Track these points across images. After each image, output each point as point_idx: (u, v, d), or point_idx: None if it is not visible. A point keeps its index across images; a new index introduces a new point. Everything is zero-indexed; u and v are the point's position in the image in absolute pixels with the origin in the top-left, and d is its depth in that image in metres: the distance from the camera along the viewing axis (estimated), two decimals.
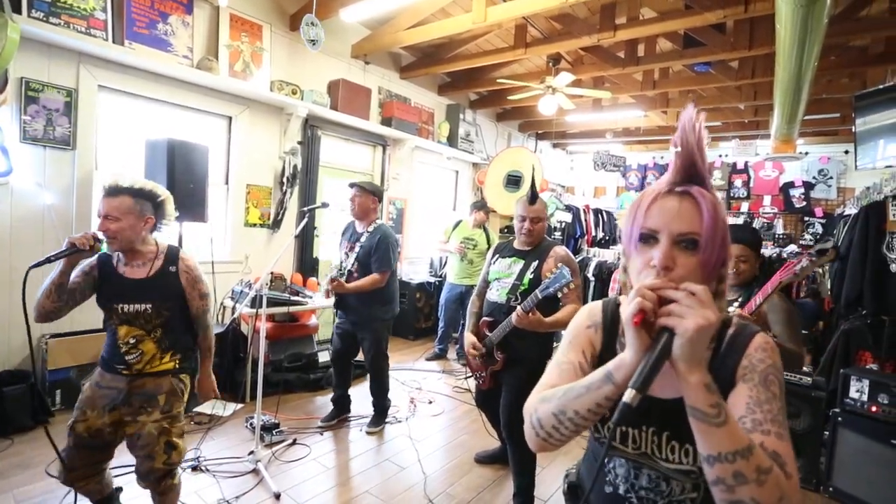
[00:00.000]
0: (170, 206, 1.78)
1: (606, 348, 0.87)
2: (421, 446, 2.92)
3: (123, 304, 1.67)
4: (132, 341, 1.69)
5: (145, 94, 3.41)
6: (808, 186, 6.50)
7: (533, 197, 2.22)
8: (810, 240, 6.30)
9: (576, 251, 5.80)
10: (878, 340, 2.94)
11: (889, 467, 2.33)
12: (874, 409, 2.44)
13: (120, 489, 1.98)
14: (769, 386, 0.71)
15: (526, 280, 2.17)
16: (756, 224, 6.67)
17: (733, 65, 4.59)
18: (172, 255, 1.77)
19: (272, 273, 3.34)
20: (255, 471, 2.47)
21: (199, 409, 3.11)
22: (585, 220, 6.26)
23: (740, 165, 7.05)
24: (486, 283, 2.38)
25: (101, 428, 1.67)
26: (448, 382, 4.13)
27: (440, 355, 4.79)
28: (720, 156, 7.16)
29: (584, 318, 0.91)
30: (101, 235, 1.60)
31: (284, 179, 4.28)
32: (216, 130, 3.95)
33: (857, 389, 2.51)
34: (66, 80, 3.02)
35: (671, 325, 0.62)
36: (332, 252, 4.94)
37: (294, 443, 2.82)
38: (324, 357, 3.79)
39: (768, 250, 4.83)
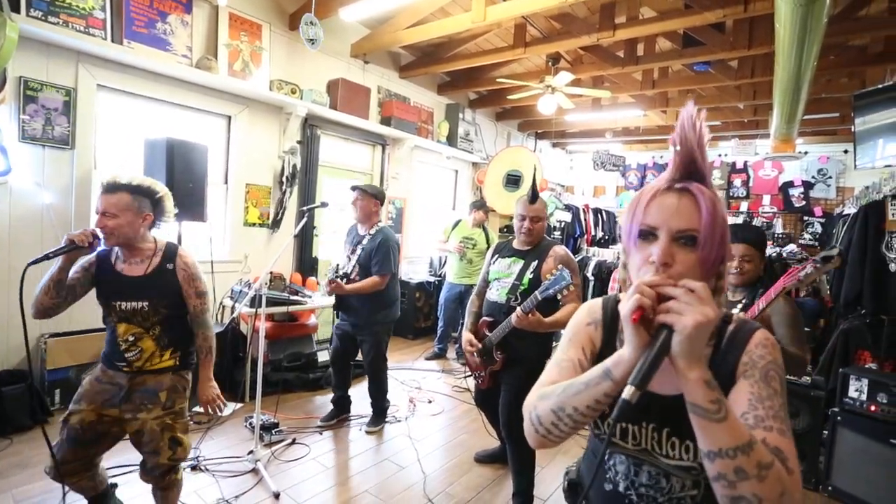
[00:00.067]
0: (168, 203, 1.77)
1: (606, 345, 0.87)
2: (420, 446, 2.92)
3: (121, 301, 1.67)
4: (131, 339, 1.68)
5: (144, 93, 3.41)
6: (808, 186, 6.50)
7: (533, 196, 2.22)
8: (809, 239, 6.31)
9: (575, 250, 5.81)
10: (877, 340, 2.94)
11: (888, 466, 2.33)
12: (873, 408, 2.44)
13: (115, 485, 1.97)
14: (770, 382, 0.71)
15: (526, 280, 2.17)
16: (755, 223, 6.67)
17: (733, 64, 4.59)
18: (170, 252, 1.76)
19: (271, 272, 3.34)
20: (254, 470, 2.47)
21: (198, 408, 3.11)
22: (585, 220, 6.26)
23: (739, 165, 7.05)
24: (486, 283, 2.38)
25: (94, 421, 1.66)
26: (447, 382, 4.13)
27: (440, 355, 4.79)
28: (719, 155, 7.16)
29: (584, 316, 0.91)
30: (99, 232, 1.59)
31: (284, 179, 4.28)
32: (215, 130, 3.95)
33: (856, 389, 2.51)
34: (64, 79, 3.01)
35: (670, 322, 0.62)
36: (331, 252, 4.95)
37: (293, 442, 2.82)
38: (323, 356, 3.79)
39: (768, 250, 4.83)
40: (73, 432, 1.65)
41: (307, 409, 3.33)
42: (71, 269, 1.63)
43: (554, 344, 2.48)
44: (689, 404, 0.63)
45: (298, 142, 4.42)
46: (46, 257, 1.53)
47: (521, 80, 4.86)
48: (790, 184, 6.61)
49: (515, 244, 2.31)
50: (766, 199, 6.84)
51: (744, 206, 6.95)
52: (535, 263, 2.18)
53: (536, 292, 1.96)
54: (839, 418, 2.53)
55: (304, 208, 3.25)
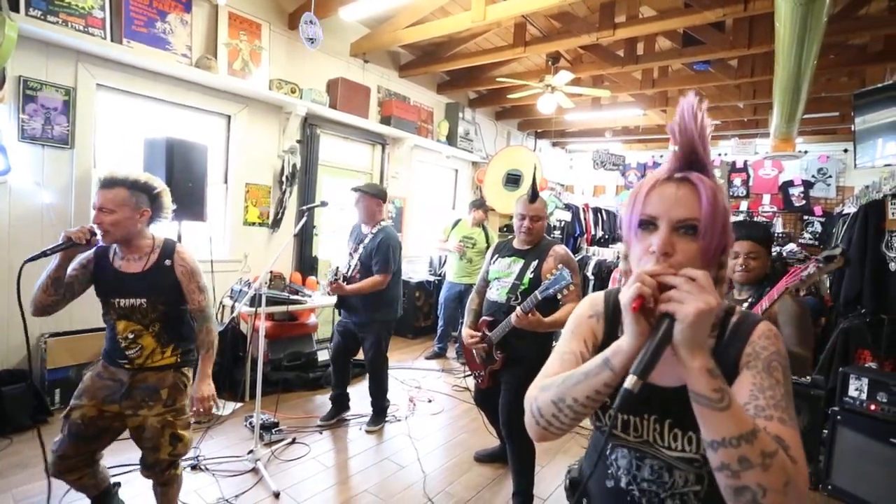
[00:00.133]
0: (167, 199, 1.75)
1: (608, 338, 0.86)
2: (420, 445, 2.92)
3: (119, 298, 1.66)
4: (131, 336, 1.68)
5: (144, 92, 3.41)
6: (808, 185, 6.50)
7: (533, 195, 2.22)
8: (809, 238, 6.31)
9: (575, 250, 5.81)
10: (877, 339, 2.94)
11: (888, 465, 2.33)
12: (873, 407, 2.44)
13: (118, 484, 1.97)
14: (772, 372, 0.71)
15: (526, 279, 2.17)
16: (748, 220, 6.67)
17: (732, 63, 4.59)
18: (168, 248, 1.75)
19: (271, 272, 3.34)
20: (254, 470, 2.47)
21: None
22: (585, 219, 6.26)
23: (739, 164, 7.04)
24: (486, 282, 2.38)
25: (96, 416, 1.66)
26: (447, 381, 4.13)
27: (439, 354, 4.79)
28: (719, 154, 7.16)
29: (586, 308, 0.91)
30: (96, 229, 1.58)
31: (283, 178, 4.28)
32: (215, 129, 3.94)
33: (856, 388, 2.51)
34: (64, 78, 3.01)
35: (671, 311, 0.61)
36: (331, 251, 4.95)
37: (293, 442, 2.82)
38: (323, 356, 3.80)
39: None
40: (74, 427, 1.64)
41: (307, 409, 3.33)
42: (69, 267, 1.62)
43: (554, 343, 2.48)
44: (692, 393, 0.63)
45: (298, 141, 4.42)
46: (43, 254, 1.53)
47: (521, 80, 4.85)
48: (790, 183, 6.61)
49: (515, 243, 2.31)
50: (766, 198, 6.84)
51: (744, 205, 6.95)
52: (535, 263, 2.18)
53: (536, 292, 1.96)
54: (839, 417, 2.53)
55: (304, 207, 3.25)
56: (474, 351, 2.33)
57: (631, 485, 0.83)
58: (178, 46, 3.48)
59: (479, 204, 4.79)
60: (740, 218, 6.64)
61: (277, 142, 4.28)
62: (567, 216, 5.93)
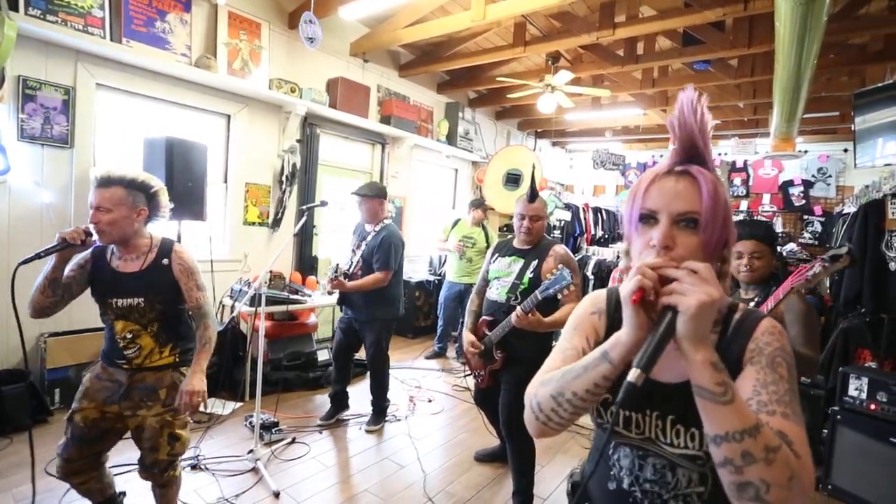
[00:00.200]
0: (164, 198, 1.74)
1: (610, 334, 0.86)
2: (420, 444, 2.92)
3: (117, 298, 1.65)
4: (129, 336, 1.67)
5: (143, 92, 3.40)
6: (808, 185, 6.50)
7: (532, 195, 2.22)
8: (809, 238, 6.31)
9: (575, 250, 5.80)
10: (876, 339, 2.94)
11: (888, 465, 2.33)
12: (873, 407, 2.44)
13: (123, 494, 1.97)
14: (776, 368, 0.70)
15: (526, 279, 2.17)
16: (751, 219, 6.66)
17: (732, 63, 4.58)
18: (166, 247, 1.74)
19: (271, 271, 3.34)
20: (254, 469, 2.47)
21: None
22: (584, 219, 6.26)
23: (739, 164, 7.04)
24: (486, 282, 2.38)
25: (98, 418, 1.66)
26: (447, 381, 4.13)
27: (439, 354, 4.79)
28: (719, 154, 7.15)
29: (588, 305, 0.90)
30: (92, 229, 1.56)
31: (283, 178, 4.28)
32: (215, 129, 3.94)
33: (856, 387, 2.51)
34: (63, 78, 3.01)
35: (673, 303, 0.61)
36: (331, 250, 4.95)
37: (293, 441, 2.82)
38: (323, 355, 3.80)
39: None
40: (77, 430, 1.64)
41: (307, 408, 3.33)
42: (66, 268, 1.61)
43: (553, 343, 2.48)
44: (695, 387, 0.62)
45: (298, 141, 4.42)
46: (38, 256, 1.51)
47: (521, 79, 4.85)
48: (790, 182, 6.61)
49: (515, 243, 2.31)
50: (766, 197, 6.84)
51: (744, 204, 6.95)
52: (535, 263, 2.18)
53: (536, 292, 1.96)
54: (839, 417, 2.53)
55: (304, 207, 3.25)
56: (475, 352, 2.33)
57: (633, 486, 0.81)
58: (177, 46, 3.48)
59: (478, 203, 4.79)
60: (740, 217, 6.64)
61: (277, 141, 4.28)
62: (567, 216, 5.93)
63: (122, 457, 2.32)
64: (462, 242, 4.60)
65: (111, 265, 1.69)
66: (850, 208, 4.16)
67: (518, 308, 2.00)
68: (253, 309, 2.93)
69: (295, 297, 3.47)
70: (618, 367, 0.66)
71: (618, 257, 5.39)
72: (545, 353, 2.29)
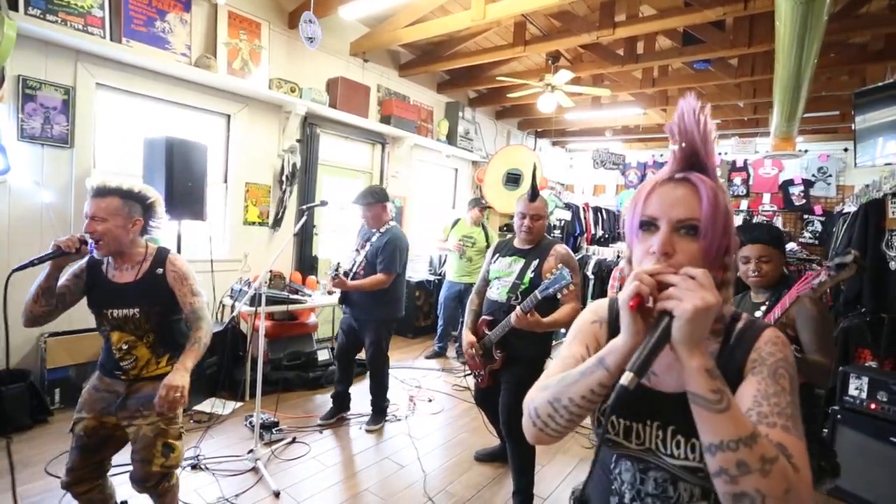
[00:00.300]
0: (160, 209, 1.73)
1: None
2: (420, 444, 2.92)
3: (112, 309, 1.64)
4: (125, 347, 1.66)
5: (143, 92, 3.40)
6: (808, 184, 6.50)
7: (533, 194, 2.22)
8: (809, 238, 6.31)
9: (575, 249, 5.81)
10: (877, 338, 2.94)
11: (888, 465, 2.34)
12: (873, 406, 2.44)
13: (125, 503, 1.97)
14: (778, 379, 0.69)
15: (526, 279, 2.17)
16: (755, 222, 6.67)
17: (733, 62, 4.58)
18: (161, 257, 1.72)
19: (271, 271, 3.34)
20: (254, 469, 2.47)
21: (198, 407, 3.11)
22: (585, 218, 6.27)
23: (740, 163, 7.05)
24: (486, 282, 2.38)
25: (97, 427, 1.67)
26: (447, 381, 4.13)
27: (439, 353, 4.79)
28: (720, 153, 7.15)
29: (589, 314, 0.91)
30: (87, 237, 1.55)
31: (283, 178, 4.27)
32: (215, 128, 3.94)
33: (857, 387, 2.51)
34: (63, 77, 3.01)
35: (669, 308, 0.61)
36: (331, 250, 4.94)
37: (293, 441, 2.82)
38: (323, 355, 3.80)
39: None
40: (79, 440, 1.65)
41: (307, 408, 3.33)
42: (61, 277, 1.60)
43: (553, 343, 2.49)
44: (690, 394, 0.62)
45: (298, 140, 4.41)
46: (31, 264, 1.49)
47: (521, 79, 4.84)
48: (790, 182, 6.62)
49: (516, 243, 2.31)
50: (767, 197, 6.85)
51: (744, 204, 6.95)
52: (536, 262, 2.18)
53: (536, 291, 1.96)
54: (839, 416, 2.53)
55: (304, 207, 3.24)
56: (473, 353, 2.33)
57: (635, 500, 0.80)
58: (177, 46, 3.48)
59: (477, 202, 4.79)
60: (740, 218, 6.64)
61: (277, 141, 4.28)
62: (567, 215, 5.93)
63: (123, 457, 2.32)
64: (462, 242, 4.60)
65: (107, 275, 1.67)
66: (850, 208, 4.16)
67: (517, 308, 1.99)
68: (253, 309, 2.93)
69: (295, 296, 3.47)
70: (614, 373, 0.66)
71: (618, 257, 5.39)
72: (545, 353, 2.29)
